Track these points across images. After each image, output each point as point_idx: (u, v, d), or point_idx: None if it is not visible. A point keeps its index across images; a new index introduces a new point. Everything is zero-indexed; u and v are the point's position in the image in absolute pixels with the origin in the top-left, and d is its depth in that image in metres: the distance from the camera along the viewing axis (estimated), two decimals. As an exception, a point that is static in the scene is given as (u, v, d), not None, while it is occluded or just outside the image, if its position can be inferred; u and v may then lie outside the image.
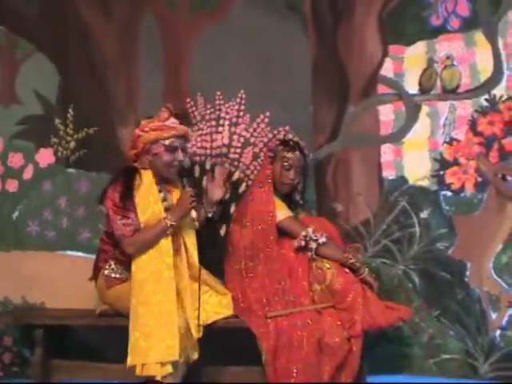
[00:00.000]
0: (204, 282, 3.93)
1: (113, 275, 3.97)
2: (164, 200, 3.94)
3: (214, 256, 4.16)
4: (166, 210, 3.91)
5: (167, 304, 3.75)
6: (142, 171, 3.97)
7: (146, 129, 3.96)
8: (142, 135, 3.96)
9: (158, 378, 3.70)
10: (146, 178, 3.95)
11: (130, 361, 3.72)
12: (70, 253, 4.59)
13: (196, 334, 3.84)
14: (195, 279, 3.90)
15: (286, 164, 4.12)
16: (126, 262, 3.92)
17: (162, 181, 3.99)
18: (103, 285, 4.00)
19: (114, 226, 3.86)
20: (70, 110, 4.62)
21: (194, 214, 3.87)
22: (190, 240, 3.95)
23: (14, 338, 4.52)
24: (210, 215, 4.07)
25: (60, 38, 4.64)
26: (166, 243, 3.86)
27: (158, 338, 3.70)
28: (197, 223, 3.90)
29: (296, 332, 3.86)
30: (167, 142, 3.95)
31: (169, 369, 3.69)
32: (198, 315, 3.84)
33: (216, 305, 4.01)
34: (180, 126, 4.01)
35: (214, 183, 4.09)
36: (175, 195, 4.01)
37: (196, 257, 3.93)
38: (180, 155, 3.97)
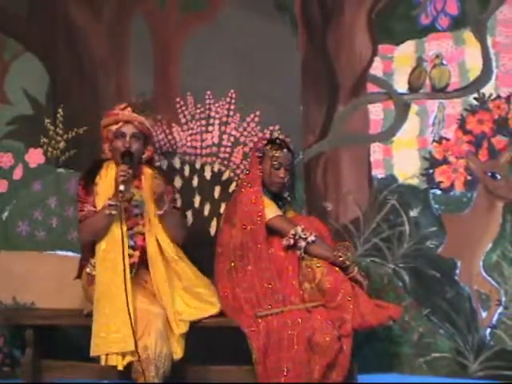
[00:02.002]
0: (185, 278, 3.97)
1: (93, 273, 3.99)
2: (121, 191, 3.87)
3: (204, 255, 4.16)
4: (126, 201, 3.93)
5: (120, 296, 3.78)
6: (107, 163, 4.06)
7: (103, 116, 4.12)
8: (100, 123, 4.12)
9: (120, 368, 3.76)
10: (110, 170, 4.03)
11: (92, 351, 3.80)
12: (59, 253, 4.59)
13: (177, 329, 3.86)
14: (176, 274, 3.96)
15: (275, 163, 4.12)
16: None
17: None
18: (86, 282, 4.04)
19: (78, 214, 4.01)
20: (60, 110, 4.62)
21: (121, 187, 3.85)
22: (161, 236, 3.98)
23: (4, 339, 4.51)
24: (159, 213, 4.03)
25: (49, 37, 4.64)
26: (118, 234, 3.89)
27: (113, 329, 3.76)
28: (121, 195, 3.84)
29: (286, 331, 3.86)
30: (114, 128, 4.04)
31: (130, 359, 3.74)
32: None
33: (201, 302, 4.00)
34: (126, 112, 4.06)
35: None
36: (146, 188, 4.01)
37: (172, 251, 3.97)
38: (127, 142, 4.00)
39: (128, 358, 3.76)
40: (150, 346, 3.72)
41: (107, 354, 3.78)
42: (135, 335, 3.73)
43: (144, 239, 3.99)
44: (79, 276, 4.11)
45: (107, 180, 4.01)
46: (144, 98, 4.15)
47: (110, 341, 3.76)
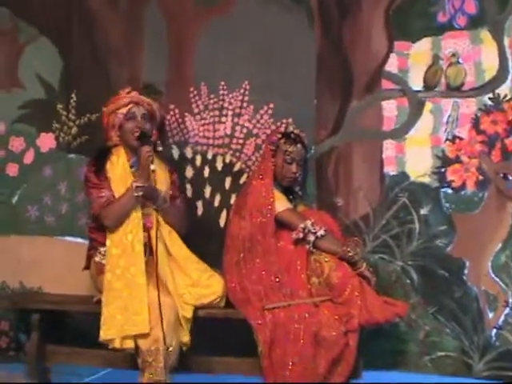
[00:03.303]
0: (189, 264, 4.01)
1: (103, 262, 3.99)
2: (154, 170, 3.94)
3: (214, 247, 4.17)
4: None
5: (140, 277, 3.82)
6: (114, 149, 4.08)
7: (107, 103, 4.13)
8: (104, 110, 4.13)
9: (132, 350, 3.77)
10: (119, 155, 4.05)
11: (104, 335, 3.79)
12: (68, 238, 4.59)
13: (182, 311, 3.88)
14: (180, 258, 4.00)
15: (288, 158, 4.11)
16: None
17: (136, 156, 4.01)
18: (95, 271, 4.04)
19: (92, 204, 3.98)
20: (73, 96, 4.61)
21: (152, 166, 3.90)
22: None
23: (10, 323, 4.52)
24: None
25: (64, 22, 4.63)
26: (137, 216, 3.93)
27: (132, 311, 3.77)
28: (153, 174, 3.92)
29: (293, 325, 3.86)
30: (124, 111, 4.06)
31: (149, 343, 3.73)
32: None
33: (204, 287, 4.02)
34: (136, 94, 4.11)
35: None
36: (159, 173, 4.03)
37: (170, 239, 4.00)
38: (140, 122, 4.04)
39: (146, 342, 3.75)
40: (161, 338, 3.73)
41: (123, 338, 3.78)
42: (169, 332, 3.76)
43: (151, 221, 4.00)
44: (88, 266, 4.11)
45: (120, 165, 4.03)
46: (151, 84, 4.18)
47: (129, 323, 3.76)
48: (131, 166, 4.04)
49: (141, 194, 3.90)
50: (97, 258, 4.03)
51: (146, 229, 3.99)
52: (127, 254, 3.88)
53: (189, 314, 3.92)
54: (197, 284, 4.00)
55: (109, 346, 3.82)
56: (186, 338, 3.89)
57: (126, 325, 3.76)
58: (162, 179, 4.07)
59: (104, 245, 3.99)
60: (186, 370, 3.97)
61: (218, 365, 4.06)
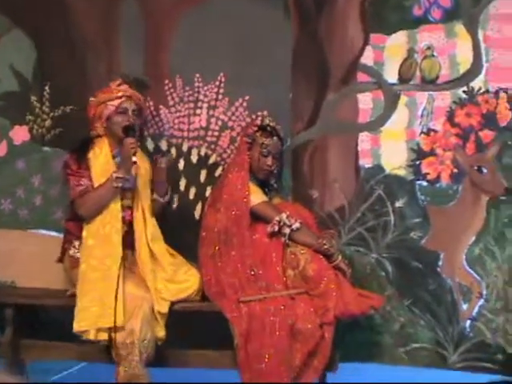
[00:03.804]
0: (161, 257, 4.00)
1: (77, 255, 3.99)
2: (135, 162, 3.93)
3: (189, 239, 4.15)
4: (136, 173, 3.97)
5: (115, 269, 3.79)
6: (97, 139, 4.05)
7: (96, 94, 4.08)
8: (92, 100, 4.08)
9: (106, 342, 3.77)
10: (102, 146, 4.03)
11: (78, 326, 3.78)
12: (42, 232, 4.54)
13: (158, 307, 3.87)
14: (158, 252, 4.00)
15: (264, 150, 4.11)
16: None
17: (120, 147, 4.00)
18: (68, 265, 4.03)
19: (70, 189, 3.96)
20: (47, 88, 4.56)
21: (134, 158, 3.89)
22: (147, 213, 4.01)
23: (-17, 317, 4.48)
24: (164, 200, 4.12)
25: (38, 14, 4.57)
26: (115, 208, 3.92)
27: (107, 303, 3.74)
28: (136, 167, 3.92)
29: (269, 317, 3.86)
30: (116, 103, 4.03)
31: (124, 336, 3.73)
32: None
33: (181, 282, 4.01)
34: (125, 88, 4.08)
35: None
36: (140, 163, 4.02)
37: (152, 231, 4.00)
38: (131, 117, 4.02)
39: (118, 336, 3.74)
40: (136, 331, 3.72)
41: (98, 330, 3.76)
42: (146, 325, 3.76)
43: (131, 214, 3.99)
44: (61, 259, 4.10)
45: (102, 156, 4.02)
46: (135, 75, 4.15)
47: (104, 315, 3.73)
48: (113, 157, 4.02)
49: (120, 185, 3.88)
50: (71, 252, 4.02)
51: (125, 221, 3.97)
52: (103, 245, 3.86)
53: (164, 310, 3.91)
54: (174, 279, 3.99)
55: (82, 338, 3.80)
56: (161, 332, 3.88)
57: (101, 317, 3.75)
58: (143, 172, 4.06)
59: (79, 238, 3.98)
60: (163, 364, 3.96)
61: (195, 358, 4.06)
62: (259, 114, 4.43)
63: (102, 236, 3.88)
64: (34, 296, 4.21)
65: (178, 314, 3.95)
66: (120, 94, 4.05)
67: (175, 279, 3.99)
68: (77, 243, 4.00)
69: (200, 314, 4.02)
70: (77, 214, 3.97)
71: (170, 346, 3.94)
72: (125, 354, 3.72)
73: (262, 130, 4.14)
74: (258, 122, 4.23)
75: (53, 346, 4.13)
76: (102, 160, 4.01)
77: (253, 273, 3.97)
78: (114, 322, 3.71)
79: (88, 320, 3.77)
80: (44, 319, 4.36)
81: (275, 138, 4.13)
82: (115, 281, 3.77)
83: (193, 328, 4.07)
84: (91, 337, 3.77)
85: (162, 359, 3.92)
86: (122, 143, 3.93)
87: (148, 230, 4.00)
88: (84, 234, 3.92)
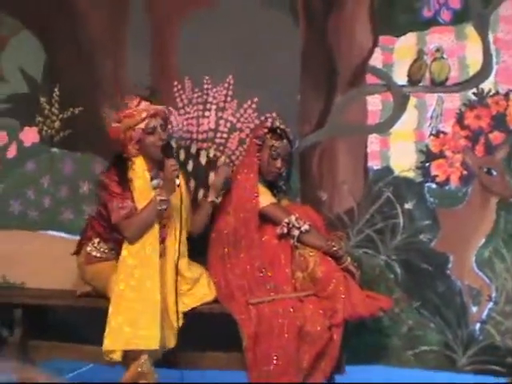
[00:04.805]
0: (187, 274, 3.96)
1: (94, 253, 3.99)
2: (155, 187, 3.91)
3: (199, 241, 4.15)
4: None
5: (155, 292, 3.75)
6: (134, 159, 3.97)
7: (119, 118, 3.96)
8: (117, 126, 3.97)
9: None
10: (139, 166, 3.96)
11: (108, 345, 3.70)
12: (51, 233, 4.56)
13: (175, 322, 3.84)
14: (182, 266, 3.95)
15: (274, 153, 4.11)
16: (111, 242, 3.95)
17: (156, 167, 3.97)
18: (83, 261, 4.01)
19: (111, 213, 3.85)
20: (56, 90, 4.58)
21: (177, 181, 3.85)
22: (184, 230, 3.96)
23: (-8, 317, 4.50)
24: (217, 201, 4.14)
25: (47, 16, 4.60)
26: (155, 229, 3.86)
27: (142, 325, 3.69)
28: (177, 187, 3.87)
29: (277, 319, 3.85)
30: (143, 126, 3.95)
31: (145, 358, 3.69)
32: (177, 304, 3.86)
33: (199, 296, 4.00)
34: (151, 105, 3.98)
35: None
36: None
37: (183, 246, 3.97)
38: (162, 134, 3.97)
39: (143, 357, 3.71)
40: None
41: (126, 350, 3.71)
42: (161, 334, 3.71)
43: (165, 232, 3.95)
44: (77, 252, 4.07)
45: (141, 176, 3.94)
46: (148, 88, 4.10)
47: (137, 337, 3.68)
48: (151, 179, 3.96)
49: (164, 207, 3.83)
50: (88, 248, 3.99)
51: (161, 240, 3.93)
52: (144, 267, 3.78)
53: (180, 322, 3.88)
54: (193, 293, 3.98)
55: (107, 357, 3.73)
56: (172, 342, 3.84)
57: (134, 338, 3.69)
58: (184, 191, 4.05)
59: (100, 236, 3.97)
60: (170, 366, 3.95)
61: (203, 359, 4.04)
62: (268, 115, 4.43)
63: (142, 257, 3.81)
64: (43, 296, 4.21)
65: (188, 315, 3.95)
66: (144, 116, 3.95)
67: (195, 293, 3.98)
68: (96, 241, 3.98)
69: (209, 315, 4.01)
70: (106, 218, 3.92)
71: (178, 348, 3.93)
72: (133, 357, 3.72)
73: (272, 132, 4.13)
74: (269, 124, 4.21)
75: (61, 347, 4.12)
76: (141, 180, 3.94)
77: (262, 274, 3.96)
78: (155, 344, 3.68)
79: (120, 341, 3.70)
80: (53, 320, 4.37)
81: (285, 140, 4.13)
82: (155, 305, 3.72)
83: (201, 330, 4.07)
84: (117, 358, 3.71)
85: (169, 360, 3.91)
86: (165, 164, 3.86)
87: (181, 247, 3.96)
88: (124, 252, 3.84)
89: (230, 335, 3.87)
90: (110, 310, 3.74)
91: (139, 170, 3.95)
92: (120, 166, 3.94)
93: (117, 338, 3.70)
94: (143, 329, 3.69)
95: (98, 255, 3.99)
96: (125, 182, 3.89)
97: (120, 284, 3.76)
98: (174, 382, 3.97)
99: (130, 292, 3.74)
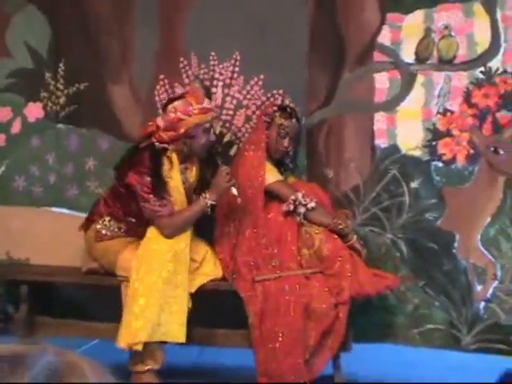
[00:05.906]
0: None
1: (103, 231, 3.97)
2: (184, 182, 3.93)
3: (204, 218, 4.13)
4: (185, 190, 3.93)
5: (185, 288, 3.79)
6: (169, 153, 3.90)
7: (190, 113, 3.85)
8: (185, 119, 3.85)
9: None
10: (172, 160, 3.91)
11: (137, 336, 3.70)
12: (56, 209, 4.53)
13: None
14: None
15: (282, 132, 4.07)
16: (123, 223, 3.94)
17: (184, 160, 3.96)
18: (92, 237, 3.99)
19: (149, 210, 3.81)
20: (61, 65, 4.53)
21: (234, 191, 3.81)
22: None
23: (-2, 294, 4.49)
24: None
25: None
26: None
27: (171, 319, 3.73)
28: (239, 199, 3.84)
29: (283, 296, 3.86)
30: (207, 125, 3.94)
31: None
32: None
33: (206, 272, 4.00)
34: (210, 106, 4.00)
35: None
36: (191, 172, 4.00)
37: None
38: (212, 135, 4.00)
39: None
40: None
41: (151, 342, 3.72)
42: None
43: None
44: (85, 228, 4.05)
45: (174, 171, 3.91)
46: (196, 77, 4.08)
47: (165, 328, 3.72)
48: (181, 173, 3.95)
49: (209, 210, 3.84)
50: (98, 226, 3.97)
51: None
52: (177, 261, 3.79)
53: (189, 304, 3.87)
54: (201, 271, 3.98)
55: (132, 348, 3.74)
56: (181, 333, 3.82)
57: (161, 329, 3.72)
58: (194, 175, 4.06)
59: (112, 216, 3.96)
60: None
61: (208, 336, 4.05)
62: (275, 92, 4.40)
63: (176, 251, 3.81)
64: (49, 273, 4.20)
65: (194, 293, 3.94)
66: (211, 117, 3.95)
67: (202, 271, 3.98)
68: (107, 219, 3.96)
69: (215, 292, 4.01)
70: (127, 202, 3.90)
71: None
72: (151, 348, 3.75)
73: (281, 110, 4.10)
74: (278, 101, 4.19)
75: (67, 324, 4.14)
76: (177, 175, 3.91)
77: (268, 251, 3.95)
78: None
79: (147, 332, 3.70)
80: (58, 297, 4.36)
81: (294, 119, 4.10)
82: (183, 299, 3.77)
83: (207, 306, 4.07)
84: (139, 347, 3.71)
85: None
86: (219, 169, 3.84)
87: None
88: (154, 245, 3.82)
89: (236, 312, 3.87)
90: (138, 299, 3.72)
91: (173, 164, 3.90)
92: (151, 157, 3.84)
93: (144, 328, 3.70)
94: (173, 322, 3.72)
95: (108, 233, 3.97)
96: (159, 177, 3.83)
97: (152, 276, 3.74)
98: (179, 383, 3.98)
99: (163, 285, 3.74)
